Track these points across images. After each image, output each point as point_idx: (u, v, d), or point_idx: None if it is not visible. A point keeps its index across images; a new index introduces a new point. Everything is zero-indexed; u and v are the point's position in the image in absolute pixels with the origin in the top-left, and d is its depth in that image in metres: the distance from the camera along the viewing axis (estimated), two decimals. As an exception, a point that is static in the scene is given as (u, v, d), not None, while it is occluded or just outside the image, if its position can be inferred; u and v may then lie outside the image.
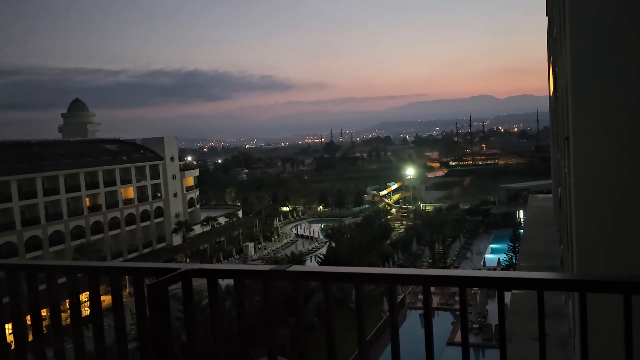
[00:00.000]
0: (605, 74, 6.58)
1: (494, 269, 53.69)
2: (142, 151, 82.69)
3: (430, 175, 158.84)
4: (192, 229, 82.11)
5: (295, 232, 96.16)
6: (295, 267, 2.52)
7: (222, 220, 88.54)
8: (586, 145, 6.83)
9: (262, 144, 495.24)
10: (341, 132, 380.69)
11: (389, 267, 54.74)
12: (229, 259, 76.07)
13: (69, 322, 3.06)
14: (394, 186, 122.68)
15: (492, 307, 41.90)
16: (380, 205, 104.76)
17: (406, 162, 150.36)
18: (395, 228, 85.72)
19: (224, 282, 3.38)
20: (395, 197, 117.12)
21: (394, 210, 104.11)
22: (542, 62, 22.79)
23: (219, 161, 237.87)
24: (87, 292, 2.90)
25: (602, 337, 4.22)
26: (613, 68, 6.56)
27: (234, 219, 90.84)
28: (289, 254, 68.82)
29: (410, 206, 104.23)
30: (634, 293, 1.97)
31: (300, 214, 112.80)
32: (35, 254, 61.92)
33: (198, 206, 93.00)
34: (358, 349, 2.49)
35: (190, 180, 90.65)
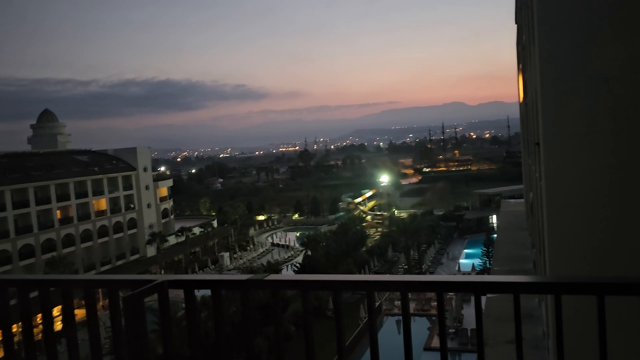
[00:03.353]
0: (574, 80, 6.73)
1: (469, 274, 54.33)
2: (115, 162, 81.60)
3: (404, 182, 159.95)
4: (167, 240, 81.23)
5: (271, 241, 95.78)
6: (273, 276, 2.51)
7: (196, 230, 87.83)
8: (556, 150, 6.97)
9: (236, 153, 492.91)
10: (315, 140, 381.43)
11: (365, 274, 54.90)
12: (205, 269, 75.32)
13: (41, 338, 2.99)
14: (369, 193, 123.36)
15: (467, 311, 42.28)
16: (356, 213, 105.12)
17: (380, 169, 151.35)
18: (371, 235, 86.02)
19: (199, 293, 3.34)
20: (370, 204, 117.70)
21: (369, 217, 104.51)
22: (512, 69, 23.23)
23: (193, 171, 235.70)
24: (60, 307, 2.83)
25: (576, 338, 4.29)
26: (581, 75, 6.72)
27: (209, 229, 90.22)
28: (264, 263, 68.49)
29: (385, 213, 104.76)
30: (607, 294, 2.01)
31: (275, 223, 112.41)
32: (5, 269, 60.40)
33: (172, 217, 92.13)
34: (337, 355, 2.49)
35: (164, 191, 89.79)
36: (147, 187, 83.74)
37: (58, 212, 69.47)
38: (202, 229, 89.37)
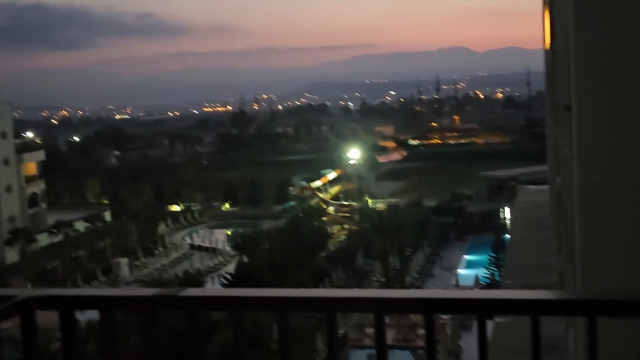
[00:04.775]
0: (622, 19, 6.81)
1: (471, 290, 55.40)
2: (-43, 123, 79.76)
3: (382, 159, 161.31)
4: (36, 239, 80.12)
5: (190, 242, 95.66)
6: (192, 291, 2.50)
7: (80, 226, 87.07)
8: (594, 117, 7.08)
9: (140, 114, 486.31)
10: (256, 98, 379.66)
11: (324, 288, 55.29)
12: (92, 282, 74.65)
13: None
14: (332, 175, 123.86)
15: (467, 342, 43.17)
16: (313, 202, 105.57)
17: (349, 140, 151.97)
18: (334, 234, 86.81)
19: (84, 316, 3.31)
20: (334, 190, 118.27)
21: (331, 208, 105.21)
22: (536, 3, 23.59)
23: (76, 139, 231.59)
24: None
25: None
26: (630, 12, 6.80)
27: (99, 224, 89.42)
28: (180, 274, 68.33)
29: (355, 203, 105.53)
30: (658, 316, 2.08)
31: (197, 216, 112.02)
32: None
33: (44, 205, 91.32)
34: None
35: (31, 167, 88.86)
36: (5, 162, 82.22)
37: None
38: (90, 224, 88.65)
